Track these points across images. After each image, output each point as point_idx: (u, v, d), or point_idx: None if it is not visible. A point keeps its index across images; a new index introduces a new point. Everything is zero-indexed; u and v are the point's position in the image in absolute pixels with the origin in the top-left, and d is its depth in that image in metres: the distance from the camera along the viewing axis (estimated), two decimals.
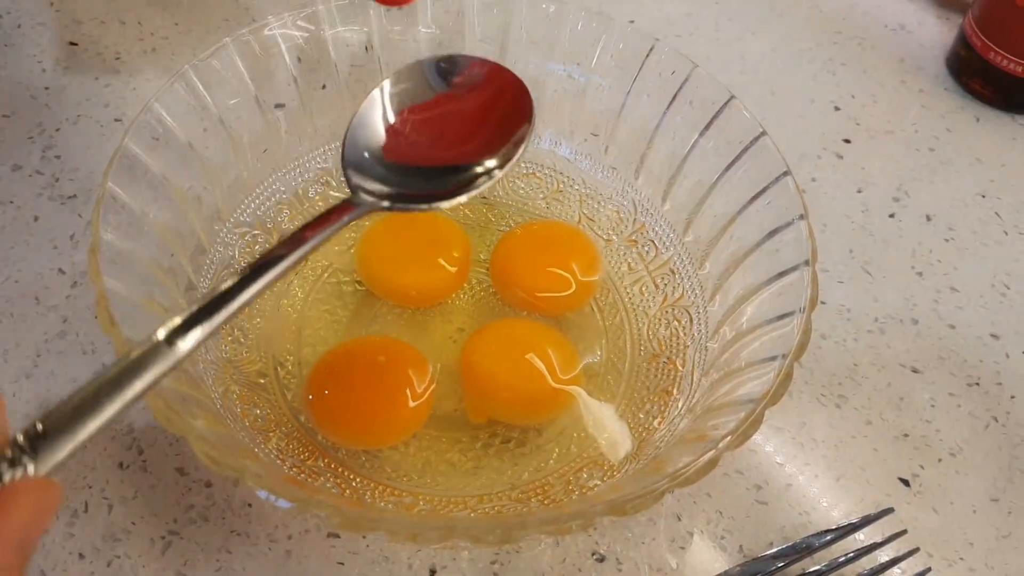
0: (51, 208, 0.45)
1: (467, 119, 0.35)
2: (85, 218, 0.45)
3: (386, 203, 0.32)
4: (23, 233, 0.44)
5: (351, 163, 0.33)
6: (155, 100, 0.37)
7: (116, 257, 0.33)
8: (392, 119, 0.35)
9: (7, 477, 0.20)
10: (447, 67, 0.35)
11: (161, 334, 0.25)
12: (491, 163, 0.33)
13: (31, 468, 0.21)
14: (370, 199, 0.32)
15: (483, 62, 0.36)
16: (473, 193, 0.32)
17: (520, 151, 0.33)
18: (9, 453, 0.20)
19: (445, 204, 0.32)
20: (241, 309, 0.27)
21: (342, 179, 0.44)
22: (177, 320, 0.25)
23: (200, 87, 0.39)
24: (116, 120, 0.49)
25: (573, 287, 0.41)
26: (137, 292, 0.34)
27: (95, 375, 0.23)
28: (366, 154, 0.34)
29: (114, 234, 0.33)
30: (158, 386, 0.29)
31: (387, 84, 0.36)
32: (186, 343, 0.25)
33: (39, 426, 0.21)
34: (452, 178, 0.33)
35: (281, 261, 0.28)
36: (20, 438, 0.21)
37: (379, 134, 0.34)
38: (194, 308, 0.26)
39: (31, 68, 0.52)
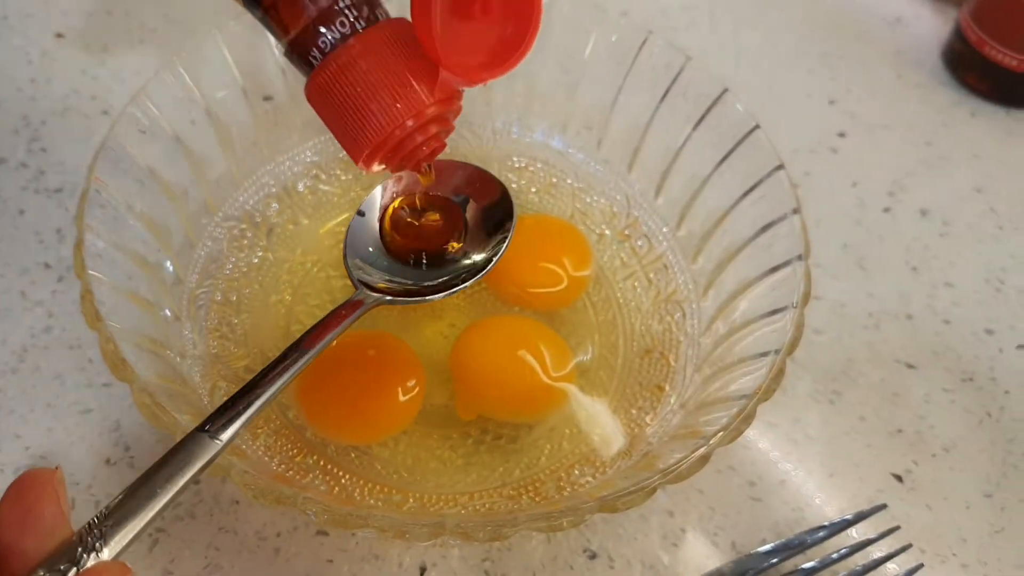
0: (37, 201, 0.45)
1: (457, 218, 0.38)
2: (71, 212, 0.44)
3: (389, 298, 0.35)
4: (8, 227, 0.44)
5: (354, 258, 0.36)
6: (142, 92, 0.37)
7: (102, 251, 0.33)
8: (388, 217, 0.38)
9: (89, 562, 0.22)
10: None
11: (202, 426, 0.27)
12: (479, 256, 0.37)
13: (104, 553, 0.23)
14: (374, 295, 0.34)
15: (466, 165, 0.39)
16: (467, 285, 0.35)
17: (505, 246, 0.36)
18: (81, 541, 0.22)
19: (441, 296, 0.35)
20: (270, 401, 0.29)
21: (332, 173, 0.45)
22: (215, 413, 0.28)
23: (188, 79, 0.38)
24: (103, 113, 0.49)
25: (565, 282, 0.41)
26: (123, 287, 0.33)
27: (148, 470, 0.25)
28: (369, 249, 0.37)
29: (100, 228, 0.33)
30: (145, 382, 0.29)
31: (387, 184, 0.38)
32: (226, 434, 0.27)
33: (105, 515, 0.23)
34: (446, 270, 0.36)
35: (304, 355, 0.31)
36: (94, 523, 0.23)
37: (377, 231, 0.38)
38: (229, 401, 0.28)
39: (17, 60, 0.51)
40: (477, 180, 0.38)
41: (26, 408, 0.38)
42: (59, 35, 0.53)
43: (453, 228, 0.37)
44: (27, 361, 0.39)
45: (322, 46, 0.28)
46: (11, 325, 0.40)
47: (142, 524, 0.24)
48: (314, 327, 0.32)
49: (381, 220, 0.38)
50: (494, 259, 0.36)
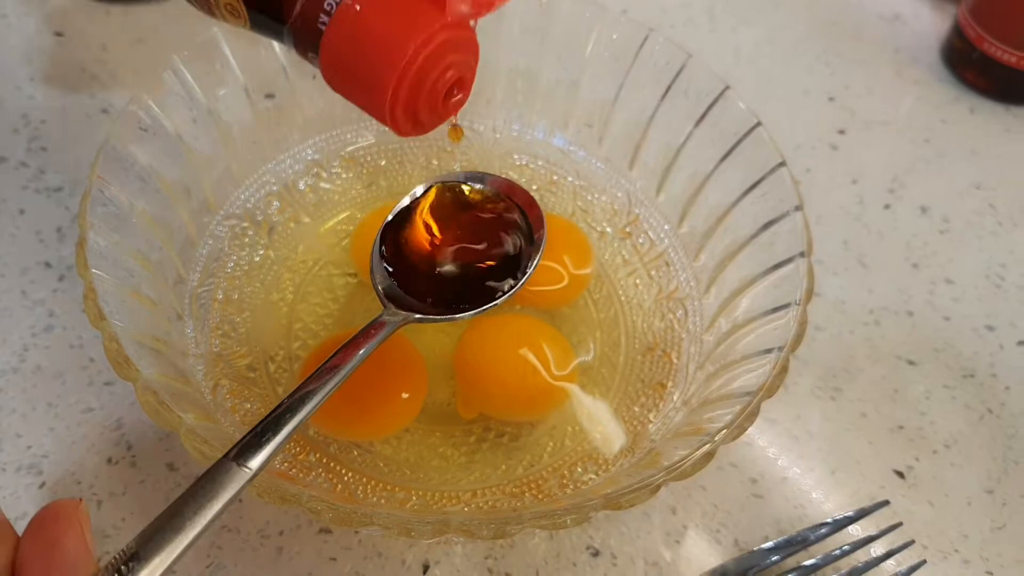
0: (37, 201, 0.45)
1: (487, 233, 0.37)
2: (71, 211, 0.44)
3: (417, 316, 0.34)
4: (8, 226, 0.44)
5: (380, 276, 0.36)
6: (142, 91, 0.37)
7: (104, 250, 0.32)
8: (417, 233, 0.37)
9: None
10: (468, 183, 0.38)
11: (231, 455, 0.26)
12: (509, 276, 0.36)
13: None
14: (402, 313, 0.34)
15: (499, 180, 0.38)
16: (495, 304, 0.35)
17: (535, 264, 0.36)
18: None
19: (471, 315, 0.35)
20: (300, 424, 0.28)
21: (333, 171, 0.45)
22: (244, 440, 0.27)
23: (188, 77, 0.38)
24: (103, 111, 0.49)
25: (566, 281, 0.41)
26: (125, 286, 0.33)
27: (175, 502, 0.24)
28: (395, 266, 0.36)
29: (101, 227, 0.33)
30: (148, 380, 0.29)
31: (416, 192, 0.38)
32: (255, 462, 0.26)
33: (131, 554, 0.22)
34: (472, 288, 0.36)
35: (333, 376, 0.30)
36: (120, 557, 0.22)
37: (407, 246, 0.37)
38: (257, 427, 0.27)
39: (16, 59, 0.51)
40: (508, 194, 0.38)
41: (27, 407, 0.38)
42: (58, 34, 0.52)
43: (487, 245, 0.37)
44: (28, 360, 0.39)
45: (328, 8, 0.28)
46: (12, 324, 0.40)
47: (170, 560, 0.22)
48: (340, 349, 0.31)
49: (412, 236, 0.37)
50: (525, 276, 0.36)
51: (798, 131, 0.53)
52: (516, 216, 0.37)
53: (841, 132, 0.53)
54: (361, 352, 0.31)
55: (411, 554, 0.35)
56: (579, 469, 0.36)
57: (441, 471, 0.36)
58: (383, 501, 0.35)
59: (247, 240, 0.41)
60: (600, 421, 0.38)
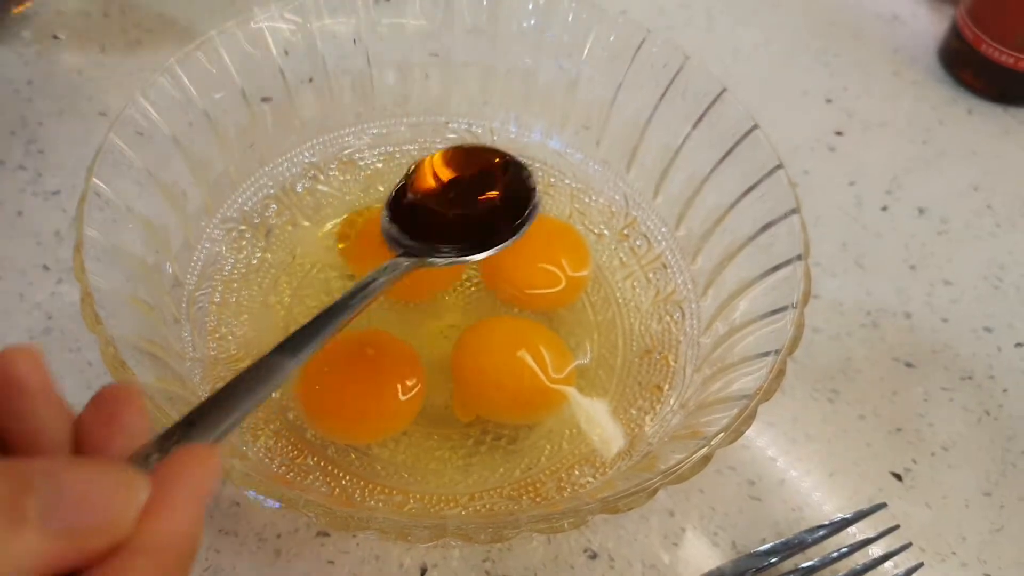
0: (35, 204, 0.45)
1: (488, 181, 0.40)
2: (69, 214, 0.44)
3: (432, 258, 0.36)
4: (6, 229, 0.43)
5: (393, 219, 0.38)
6: (140, 94, 0.37)
7: (101, 254, 0.32)
8: (430, 183, 0.40)
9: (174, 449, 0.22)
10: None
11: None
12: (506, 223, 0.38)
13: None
14: (412, 257, 0.35)
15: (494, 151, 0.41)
16: (499, 248, 0.37)
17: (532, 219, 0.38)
18: (164, 438, 0.22)
19: (483, 255, 0.37)
20: (337, 328, 0.30)
21: (330, 174, 0.45)
22: (295, 335, 0.29)
23: (185, 80, 0.38)
24: (100, 114, 0.49)
25: (563, 283, 0.41)
26: (122, 289, 0.33)
27: (228, 383, 0.25)
28: (405, 219, 0.38)
29: (99, 230, 0.33)
30: (145, 385, 0.29)
31: (433, 157, 0.40)
32: (303, 354, 0.28)
33: (186, 421, 0.23)
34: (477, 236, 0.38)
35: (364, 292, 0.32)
36: (175, 427, 0.23)
37: (419, 193, 0.39)
38: (306, 324, 0.29)
39: (13, 62, 0.51)
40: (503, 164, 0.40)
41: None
42: (55, 36, 0.52)
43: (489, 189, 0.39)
44: None
45: None
46: (9, 327, 0.40)
47: (227, 424, 0.24)
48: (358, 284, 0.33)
49: (424, 186, 0.39)
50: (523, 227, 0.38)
51: (796, 132, 0.53)
52: (512, 168, 0.40)
53: (839, 133, 0.53)
54: (382, 280, 0.33)
55: (409, 557, 0.35)
56: (577, 472, 0.36)
57: (439, 474, 0.36)
58: (381, 504, 0.35)
59: (244, 243, 0.41)
60: (598, 424, 0.38)
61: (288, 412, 0.37)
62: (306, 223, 0.43)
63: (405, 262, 0.35)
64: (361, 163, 0.45)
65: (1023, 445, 0.41)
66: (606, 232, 0.44)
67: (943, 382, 0.43)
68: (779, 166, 0.37)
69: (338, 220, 0.44)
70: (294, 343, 0.28)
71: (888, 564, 0.36)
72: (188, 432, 0.23)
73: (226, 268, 0.41)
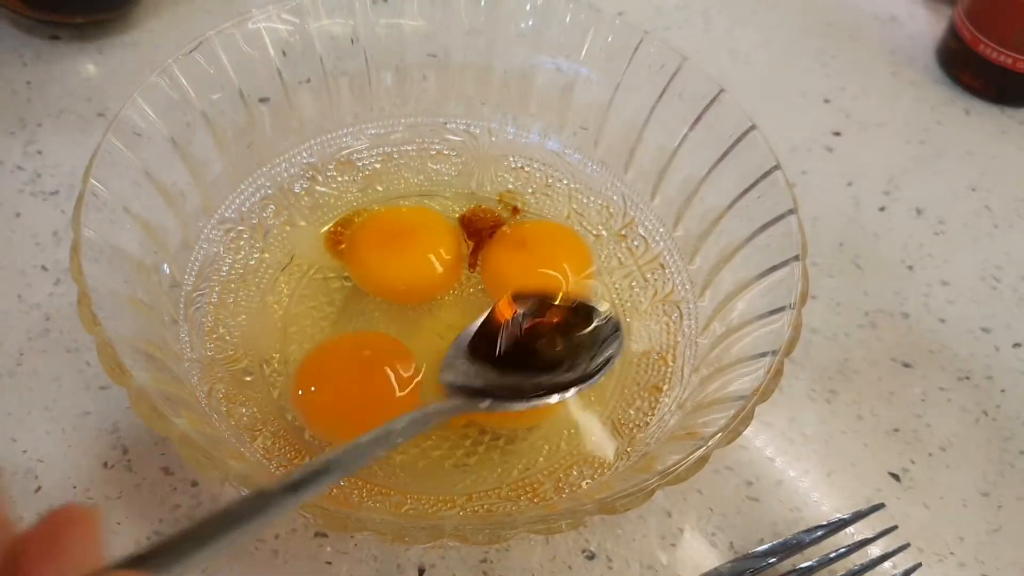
0: (33, 204, 0.45)
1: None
2: (68, 214, 0.44)
3: (486, 404, 0.34)
4: (5, 229, 0.43)
5: (449, 365, 0.36)
6: (137, 95, 0.37)
7: (99, 255, 0.32)
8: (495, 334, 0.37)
9: None
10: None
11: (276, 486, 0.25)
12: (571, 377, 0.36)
13: None
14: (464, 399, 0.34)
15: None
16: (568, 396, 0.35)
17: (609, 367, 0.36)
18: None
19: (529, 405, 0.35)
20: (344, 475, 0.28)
21: (328, 174, 0.45)
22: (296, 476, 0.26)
23: (183, 81, 0.38)
24: (99, 115, 0.49)
25: (564, 288, 0.41)
26: (120, 290, 0.33)
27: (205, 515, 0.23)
28: (463, 358, 0.36)
29: (97, 231, 0.33)
30: (143, 386, 0.29)
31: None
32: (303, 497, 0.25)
33: (141, 553, 0.21)
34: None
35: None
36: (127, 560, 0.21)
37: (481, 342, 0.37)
38: (307, 467, 0.26)
39: (12, 62, 0.51)
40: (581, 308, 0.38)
41: (23, 411, 0.38)
42: (54, 37, 0.52)
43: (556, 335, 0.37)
44: (24, 364, 0.39)
45: None
46: (8, 328, 0.40)
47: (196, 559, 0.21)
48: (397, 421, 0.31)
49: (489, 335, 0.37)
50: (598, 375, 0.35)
51: (794, 133, 0.53)
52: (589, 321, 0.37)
53: (836, 134, 0.53)
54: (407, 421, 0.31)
55: (407, 558, 0.35)
56: (575, 473, 0.36)
57: (436, 475, 0.36)
58: (378, 505, 0.35)
59: (242, 244, 0.41)
60: (596, 425, 0.38)
61: (287, 413, 0.37)
62: (304, 223, 0.43)
63: (483, 403, 0.33)
64: (359, 164, 0.45)
65: (1021, 445, 0.41)
66: (604, 232, 0.44)
67: (941, 382, 0.43)
68: (776, 167, 0.37)
69: (336, 220, 0.43)
70: (290, 485, 0.25)
71: (886, 564, 0.36)
72: (143, 564, 0.20)
73: (224, 269, 0.41)
